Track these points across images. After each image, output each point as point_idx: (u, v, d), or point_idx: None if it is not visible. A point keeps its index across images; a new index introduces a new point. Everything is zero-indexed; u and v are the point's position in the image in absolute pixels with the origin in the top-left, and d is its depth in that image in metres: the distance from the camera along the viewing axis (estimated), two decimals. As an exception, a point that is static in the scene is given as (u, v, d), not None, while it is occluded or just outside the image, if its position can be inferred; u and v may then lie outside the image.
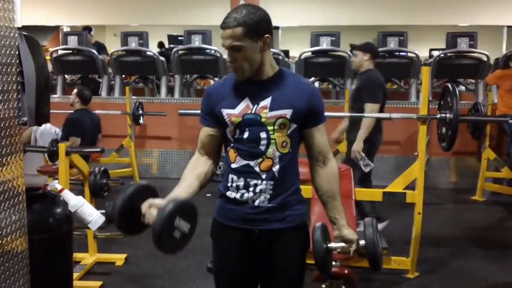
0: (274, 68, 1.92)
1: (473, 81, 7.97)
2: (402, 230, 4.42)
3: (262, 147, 1.87)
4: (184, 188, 1.90)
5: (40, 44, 2.25)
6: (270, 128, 1.86)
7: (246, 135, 1.87)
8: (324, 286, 2.93)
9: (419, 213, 3.71)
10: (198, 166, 1.98)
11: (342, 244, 1.94)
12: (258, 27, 1.80)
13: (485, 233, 5.08)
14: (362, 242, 1.93)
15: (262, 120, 1.85)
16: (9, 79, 1.89)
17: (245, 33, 1.78)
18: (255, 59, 1.83)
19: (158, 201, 1.77)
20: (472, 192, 6.34)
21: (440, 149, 3.94)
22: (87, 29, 8.99)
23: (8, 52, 1.88)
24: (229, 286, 2.04)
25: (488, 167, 6.22)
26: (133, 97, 7.16)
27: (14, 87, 1.93)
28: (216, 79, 7.80)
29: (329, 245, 1.94)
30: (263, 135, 1.86)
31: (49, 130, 6.02)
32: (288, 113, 1.86)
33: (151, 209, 1.76)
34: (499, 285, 3.83)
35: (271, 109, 1.85)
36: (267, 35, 1.83)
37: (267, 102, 1.86)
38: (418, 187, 3.73)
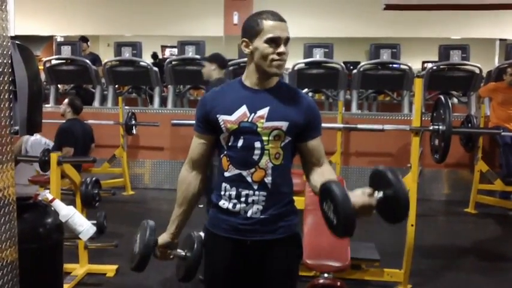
0: (276, 78, 1.94)
1: (459, 93, 8.02)
2: (395, 242, 4.41)
3: (256, 157, 1.86)
4: (183, 217, 2.05)
5: (33, 53, 2.24)
6: (265, 138, 1.86)
7: (240, 143, 1.87)
8: (316, 298, 2.93)
9: (412, 225, 3.71)
10: (189, 187, 2.02)
11: (361, 196, 1.69)
12: None
13: (477, 246, 5.08)
14: (379, 194, 1.69)
15: (258, 129, 1.85)
16: (1, 88, 1.88)
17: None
18: None
19: (165, 241, 2.04)
20: (464, 204, 6.34)
21: (433, 160, 3.95)
22: (84, 39, 8.98)
23: (0, 61, 1.87)
24: (221, 297, 2.02)
25: (481, 179, 6.24)
26: (126, 107, 7.15)
27: (6, 96, 1.91)
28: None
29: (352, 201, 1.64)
30: (257, 144, 1.86)
31: (39, 141, 5.98)
32: (284, 125, 1.86)
33: (165, 251, 2.05)
34: (491, 298, 3.84)
35: (268, 119, 1.86)
36: None
37: (264, 112, 1.86)
38: (411, 199, 3.72)
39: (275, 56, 1.85)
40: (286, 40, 1.87)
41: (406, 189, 1.67)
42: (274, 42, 1.84)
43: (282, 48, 1.85)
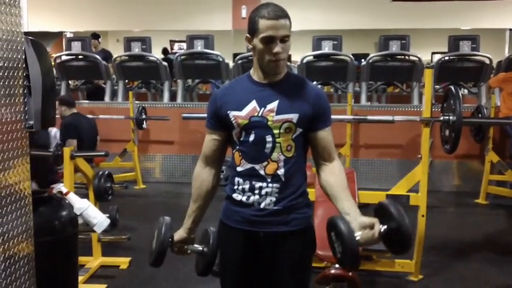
0: (284, 70, 1.94)
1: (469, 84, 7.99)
2: (406, 233, 4.42)
3: (267, 151, 1.87)
4: (198, 213, 2.07)
5: (46, 48, 2.26)
6: (275, 131, 1.86)
7: (251, 137, 1.88)
8: (327, 289, 2.94)
9: (422, 215, 3.71)
10: (203, 184, 2.03)
11: (365, 231, 1.74)
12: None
13: (488, 236, 5.08)
14: (383, 227, 1.73)
15: (269, 123, 1.86)
16: (15, 83, 1.91)
17: (290, 25, 1.85)
18: (288, 54, 1.89)
19: (181, 237, 2.07)
20: (475, 195, 6.34)
21: (443, 152, 3.94)
22: (95, 36, 9.02)
23: (14, 56, 1.89)
24: (234, 287, 2.04)
25: (491, 170, 6.22)
26: (136, 102, 7.19)
27: (20, 91, 1.94)
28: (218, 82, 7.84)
29: (356, 236, 1.74)
30: (268, 138, 1.87)
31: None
32: (294, 117, 1.87)
33: (181, 246, 2.08)
34: (502, 288, 3.84)
35: (278, 113, 1.86)
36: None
37: (274, 105, 1.87)
38: (422, 189, 3.73)
39: (271, 57, 1.84)
40: (284, 38, 1.82)
41: (408, 224, 1.70)
42: (269, 42, 1.81)
43: (276, 48, 1.81)
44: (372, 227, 1.71)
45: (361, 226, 1.72)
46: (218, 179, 2.06)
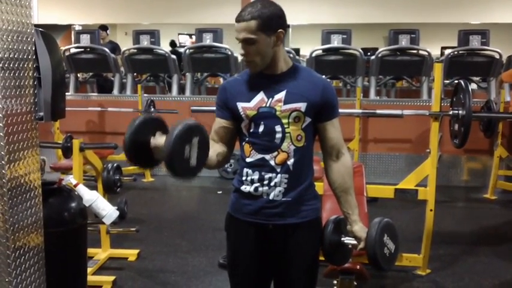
0: (288, 64, 1.93)
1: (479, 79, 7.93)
2: (414, 227, 4.42)
3: (277, 141, 1.88)
4: None
5: (56, 40, 2.26)
6: (284, 121, 1.87)
7: (261, 128, 1.89)
8: (335, 282, 2.95)
9: (431, 210, 3.70)
10: (213, 145, 1.94)
11: (353, 240, 1.95)
12: (272, 22, 1.82)
13: (496, 231, 5.06)
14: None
15: (277, 113, 1.87)
16: (25, 74, 1.92)
17: (258, 26, 1.80)
18: (267, 53, 1.86)
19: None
20: (483, 190, 6.32)
21: (452, 146, 3.93)
22: (103, 28, 9.03)
23: (24, 47, 1.90)
24: (243, 280, 2.05)
25: (500, 165, 6.19)
26: (145, 95, 7.19)
27: (30, 83, 1.95)
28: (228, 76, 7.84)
29: (342, 239, 1.95)
30: (278, 128, 1.87)
31: None
32: (302, 106, 1.87)
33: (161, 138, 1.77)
34: (510, 282, 3.82)
35: (286, 102, 1.87)
36: (280, 30, 1.84)
37: (281, 95, 1.88)
38: (430, 184, 3.72)
39: (244, 57, 1.89)
40: (247, 41, 1.83)
41: (374, 249, 1.88)
42: (241, 43, 1.86)
43: (243, 50, 1.87)
44: (359, 238, 1.94)
45: (352, 234, 1.96)
46: (229, 153, 2.01)
